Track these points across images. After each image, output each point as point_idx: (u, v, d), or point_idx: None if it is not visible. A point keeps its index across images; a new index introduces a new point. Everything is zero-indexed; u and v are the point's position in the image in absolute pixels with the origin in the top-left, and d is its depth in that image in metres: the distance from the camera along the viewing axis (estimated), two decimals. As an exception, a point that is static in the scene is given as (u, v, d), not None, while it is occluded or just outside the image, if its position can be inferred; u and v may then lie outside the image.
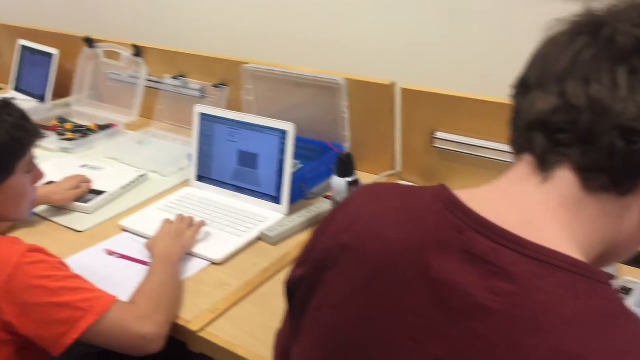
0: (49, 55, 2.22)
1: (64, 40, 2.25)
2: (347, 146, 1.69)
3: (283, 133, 1.47)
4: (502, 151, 1.44)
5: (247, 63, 1.80)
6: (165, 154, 1.81)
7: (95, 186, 1.60)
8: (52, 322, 1.00)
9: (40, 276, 1.02)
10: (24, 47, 2.35)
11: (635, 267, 1.24)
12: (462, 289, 0.53)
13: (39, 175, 1.26)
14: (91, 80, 2.21)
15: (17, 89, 2.36)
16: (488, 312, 0.51)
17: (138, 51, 2.05)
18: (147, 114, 2.05)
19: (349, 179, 1.35)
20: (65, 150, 1.90)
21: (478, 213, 0.56)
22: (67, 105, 2.20)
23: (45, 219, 1.50)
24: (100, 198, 1.55)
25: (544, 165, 0.57)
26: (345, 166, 1.34)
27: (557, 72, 0.57)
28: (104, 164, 1.77)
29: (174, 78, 1.98)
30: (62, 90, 2.23)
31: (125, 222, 1.46)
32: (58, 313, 1.01)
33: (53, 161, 1.77)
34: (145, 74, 2.04)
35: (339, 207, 0.68)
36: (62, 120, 2.11)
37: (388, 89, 1.58)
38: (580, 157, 0.55)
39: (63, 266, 1.08)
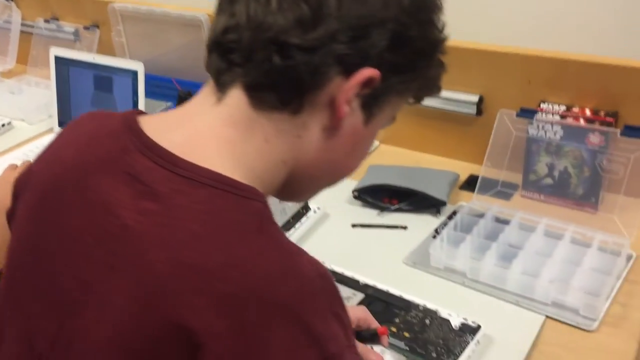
0: None
1: None
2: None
3: (134, 73, 1.43)
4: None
5: (114, 2, 1.74)
6: (36, 101, 1.75)
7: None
8: None
9: None
10: None
11: (468, 190, 1.27)
12: (113, 210, 0.52)
13: None
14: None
15: None
16: (129, 232, 0.51)
17: (9, -6, 1.95)
18: (25, 60, 1.98)
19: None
20: None
21: (147, 134, 0.56)
22: (-56, 55, 2.11)
23: None
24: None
25: (219, 86, 0.57)
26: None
27: None
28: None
29: (47, 21, 1.90)
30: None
31: (-25, 173, 1.42)
32: None
33: None
34: (19, 18, 1.95)
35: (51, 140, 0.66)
36: (-63, 71, 2.03)
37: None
38: (245, 75, 0.55)
39: None
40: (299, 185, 0.62)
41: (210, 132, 0.56)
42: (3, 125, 1.63)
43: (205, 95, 0.58)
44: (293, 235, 1.15)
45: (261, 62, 0.53)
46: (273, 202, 1.43)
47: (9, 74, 1.97)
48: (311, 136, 0.58)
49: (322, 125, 0.57)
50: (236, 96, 0.56)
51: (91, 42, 1.83)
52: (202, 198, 0.51)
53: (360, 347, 0.77)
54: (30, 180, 0.61)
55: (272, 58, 0.53)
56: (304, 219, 1.19)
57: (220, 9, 0.57)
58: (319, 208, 1.22)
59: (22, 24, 1.95)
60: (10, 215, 0.66)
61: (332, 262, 1.07)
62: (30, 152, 1.51)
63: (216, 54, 0.56)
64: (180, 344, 0.47)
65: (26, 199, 0.61)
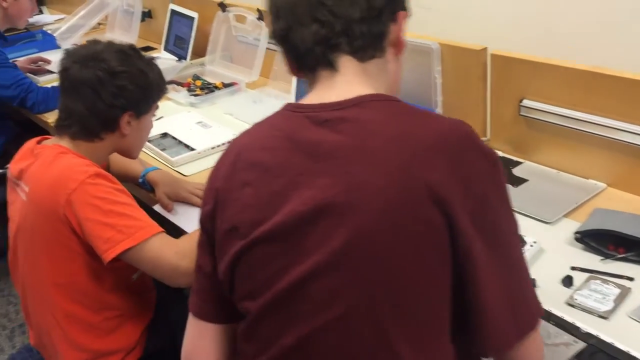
0: (191, 18, 2.46)
1: (202, 4, 2.48)
2: (438, 111, 1.71)
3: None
4: (590, 122, 1.38)
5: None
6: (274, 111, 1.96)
7: (192, 143, 1.80)
8: (98, 237, 1.17)
9: (97, 197, 1.18)
10: (173, 11, 2.62)
11: None
12: (317, 141, 0.82)
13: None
14: (223, 41, 2.42)
15: (166, 49, 2.64)
16: (340, 145, 0.80)
17: (261, 15, 2.21)
18: (268, 74, 2.21)
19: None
20: (192, 104, 2.13)
21: (312, 102, 0.86)
22: (202, 64, 2.44)
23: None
24: (187, 154, 1.75)
25: (330, 67, 0.86)
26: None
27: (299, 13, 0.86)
28: (216, 122, 1.95)
29: (290, 41, 2.11)
30: (200, 50, 2.47)
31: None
32: (103, 231, 1.17)
33: (179, 115, 2.01)
34: (266, 36, 2.19)
35: (227, 148, 0.93)
36: (196, 77, 2.35)
37: (479, 54, 1.57)
38: (349, 46, 0.86)
39: (121, 194, 1.22)
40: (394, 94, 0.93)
41: (350, 86, 0.86)
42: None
43: (325, 75, 0.87)
44: (507, 269, 1.15)
45: (357, 37, 0.85)
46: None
47: (252, 85, 2.23)
48: (392, 67, 0.92)
49: (393, 58, 0.91)
50: (348, 62, 0.87)
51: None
52: (376, 106, 0.83)
53: None
54: (235, 184, 0.87)
55: (362, 31, 0.85)
56: (520, 254, 1.18)
57: (298, 22, 0.87)
58: (535, 242, 1.21)
59: (268, 42, 2.19)
60: (206, 218, 0.90)
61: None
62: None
63: (322, 47, 0.85)
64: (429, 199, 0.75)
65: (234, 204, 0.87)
